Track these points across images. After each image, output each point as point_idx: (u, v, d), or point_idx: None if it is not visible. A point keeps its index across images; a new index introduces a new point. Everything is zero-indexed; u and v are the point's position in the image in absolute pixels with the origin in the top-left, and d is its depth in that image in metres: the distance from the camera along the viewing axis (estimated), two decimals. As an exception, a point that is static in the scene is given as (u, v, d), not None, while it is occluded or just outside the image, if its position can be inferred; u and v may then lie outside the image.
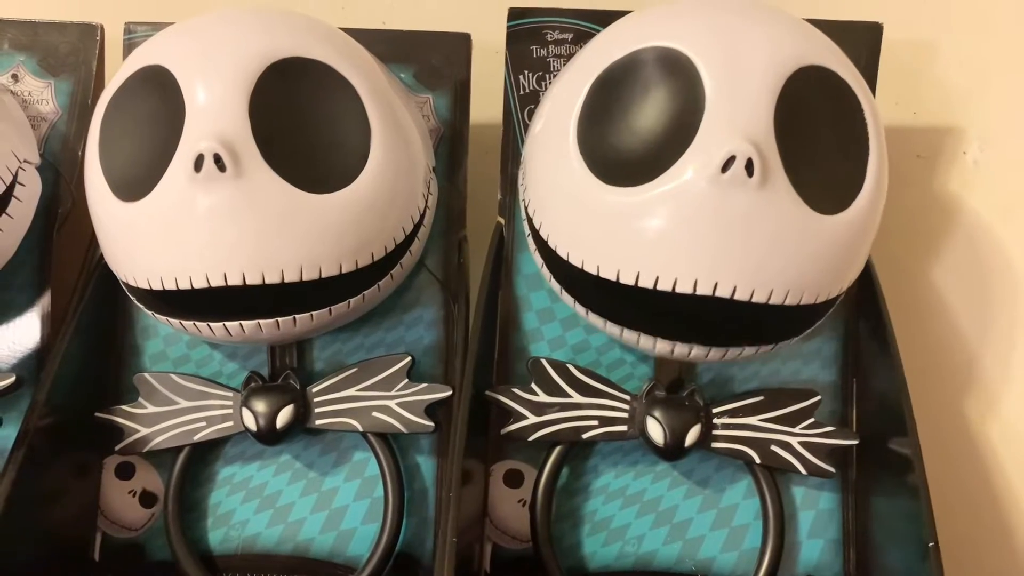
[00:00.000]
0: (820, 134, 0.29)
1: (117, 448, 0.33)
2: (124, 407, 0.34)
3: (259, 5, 0.31)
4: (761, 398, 0.33)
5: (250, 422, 0.32)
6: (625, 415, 0.33)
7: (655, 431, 0.32)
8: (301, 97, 0.29)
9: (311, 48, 0.30)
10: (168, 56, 0.29)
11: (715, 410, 0.33)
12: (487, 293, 0.34)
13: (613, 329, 0.31)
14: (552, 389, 0.33)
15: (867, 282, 0.34)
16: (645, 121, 0.29)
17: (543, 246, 0.31)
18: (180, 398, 0.33)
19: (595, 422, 0.33)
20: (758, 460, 0.33)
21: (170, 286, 0.28)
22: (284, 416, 0.31)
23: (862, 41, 0.34)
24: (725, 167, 0.27)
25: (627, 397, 0.33)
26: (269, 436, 0.32)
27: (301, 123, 0.29)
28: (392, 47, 0.35)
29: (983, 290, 0.39)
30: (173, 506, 0.33)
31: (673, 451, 0.32)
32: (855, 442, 0.33)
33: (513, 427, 0.33)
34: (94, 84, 0.37)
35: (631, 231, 0.28)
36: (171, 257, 0.28)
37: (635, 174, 0.28)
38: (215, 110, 0.28)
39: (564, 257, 0.30)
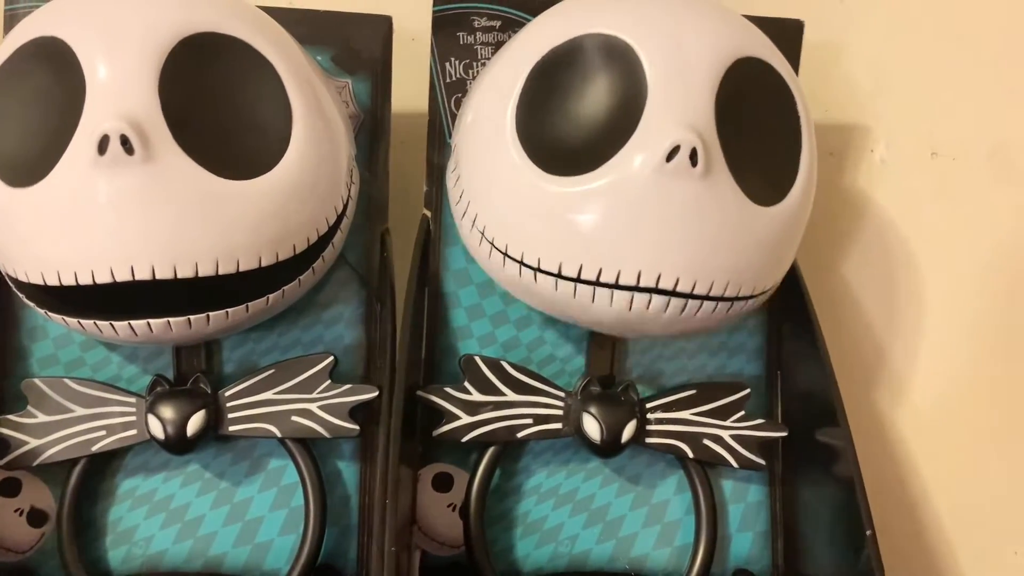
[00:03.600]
0: (757, 125, 0.29)
1: (2, 463, 0.30)
2: (10, 417, 0.31)
3: None
4: (693, 392, 0.33)
5: (157, 430, 0.29)
6: (560, 412, 0.32)
7: (592, 428, 0.31)
8: (216, 75, 0.27)
9: (227, 23, 0.27)
10: (65, 27, 0.26)
11: (649, 405, 0.32)
12: (415, 289, 0.32)
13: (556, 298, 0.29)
14: (486, 387, 0.32)
15: (790, 275, 0.34)
16: (586, 109, 0.28)
17: (480, 239, 0.30)
18: (75, 405, 0.30)
19: (529, 420, 0.32)
20: (691, 454, 0.32)
21: (68, 281, 0.26)
22: (195, 423, 0.29)
23: (784, 38, 0.35)
24: (670, 157, 0.26)
25: (562, 394, 0.32)
26: (178, 445, 0.29)
27: (216, 103, 0.27)
28: (308, 28, 0.32)
29: (890, 283, 0.40)
30: (68, 524, 0.30)
31: (610, 448, 0.31)
32: (784, 434, 0.33)
33: (446, 428, 0.31)
34: None
35: (573, 222, 0.28)
36: (69, 248, 0.26)
37: (577, 163, 0.28)
38: (121, 87, 0.25)
39: (502, 250, 0.29)
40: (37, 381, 0.30)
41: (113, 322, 0.27)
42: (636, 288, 0.28)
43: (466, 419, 0.32)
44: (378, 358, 0.33)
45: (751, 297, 0.29)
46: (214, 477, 0.32)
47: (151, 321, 0.27)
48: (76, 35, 0.26)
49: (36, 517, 0.31)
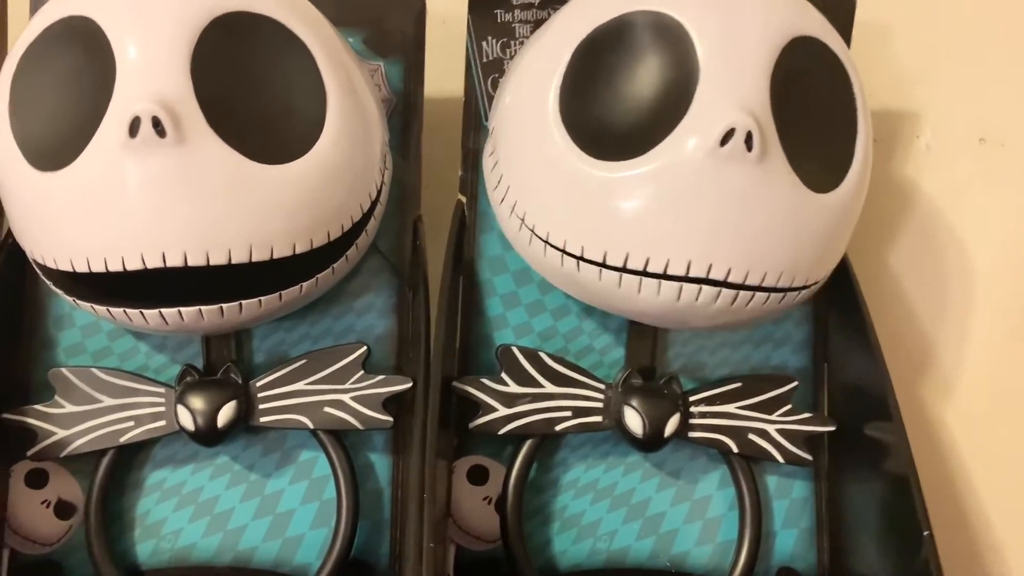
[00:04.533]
0: (813, 108, 0.27)
1: (30, 453, 0.29)
2: (37, 407, 0.30)
3: None
4: (738, 385, 0.32)
5: (187, 421, 0.28)
6: (599, 405, 0.31)
7: (633, 421, 0.30)
8: (249, 56, 0.26)
9: (259, 2, 0.26)
10: (95, 6, 0.26)
11: (692, 398, 0.31)
12: (450, 277, 0.31)
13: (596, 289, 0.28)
14: (523, 379, 0.31)
15: (839, 265, 0.33)
16: (635, 91, 0.27)
17: (519, 226, 0.29)
18: (104, 395, 0.29)
19: (568, 413, 0.31)
20: (735, 449, 0.31)
21: (97, 268, 0.25)
22: (226, 413, 0.28)
23: (835, 16, 0.33)
24: (724, 140, 0.25)
25: (602, 386, 0.31)
26: (209, 436, 0.28)
27: (250, 85, 0.26)
28: (340, 9, 0.31)
29: (937, 273, 0.39)
30: (95, 517, 0.29)
31: (652, 442, 0.30)
32: (832, 428, 0.32)
33: (482, 420, 0.31)
34: None
35: (619, 209, 0.26)
36: (99, 234, 0.25)
37: (624, 147, 0.26)
38: (152, 67, 0.25)
39: (543, 238, 0.28)
40: (64, 371, 0.30)
41: (143, 310, 0.26)
42: (685, 278, 0.26)
43: (503, 411, 0.31)
44: (411, 348, 0.32)
45: (803, 288, 0.28)
46: (244, 469, 0.31)
47: (182, 309, 0.26)
48: (106, 14, 0.25)
49: (63, 509, 0.31)
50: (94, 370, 0.30)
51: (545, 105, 0.28)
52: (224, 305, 0.26)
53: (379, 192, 0.29)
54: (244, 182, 0.25)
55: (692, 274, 0.26)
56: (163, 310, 0.26)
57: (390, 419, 0.30)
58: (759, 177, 0.26)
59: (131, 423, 0.29)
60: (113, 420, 0.29)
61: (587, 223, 0.27)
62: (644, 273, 0.27)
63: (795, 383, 0.32)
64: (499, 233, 0.33)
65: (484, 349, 0.33)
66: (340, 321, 0.32)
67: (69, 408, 0.29)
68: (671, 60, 0.26)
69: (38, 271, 0.28)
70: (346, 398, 0.29)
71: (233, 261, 0.25)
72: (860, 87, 0.29)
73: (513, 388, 0.31)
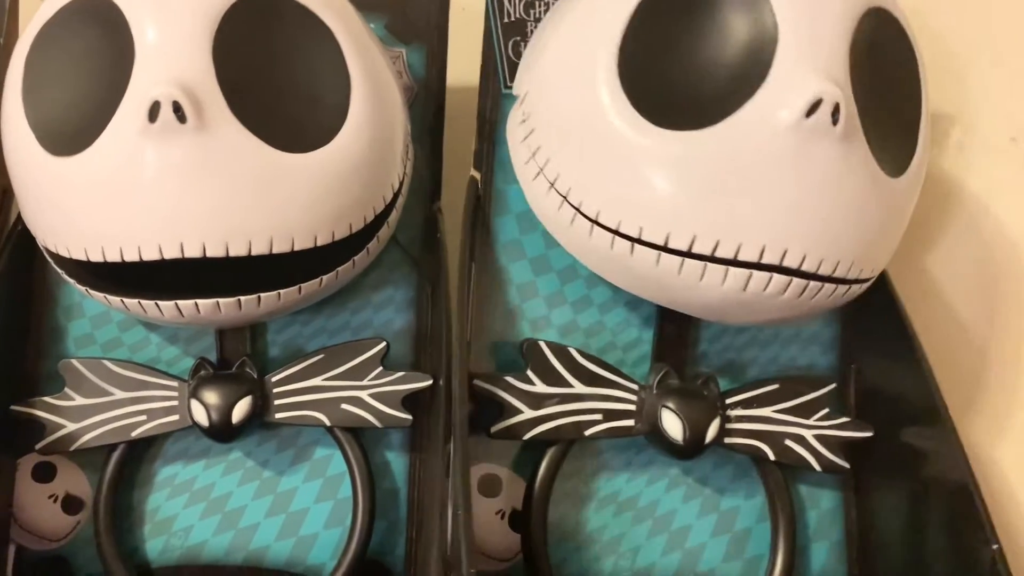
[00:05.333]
0: (887, 84, 0.25)
1: (38, 447, 0.28)
2: (46, 399, 0.28)
3: None
4: (776, 386, 0.29)
5: (201, 416, 0.27)
6: (632, 407, 0.28)
7: (672, 426, 0.27)
8: (273, 40, 0.25)
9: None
10: None
11: (729, 400, 0.29)
12: (468, 265, 0.28)
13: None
14: (552, 378, 0.28)
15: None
16: (709, 51, 0.24)
17: (560, 203, 0.26)
18: (115, 388, 0.28)
19: (599, 416, 0.28)
20: (772, 456, 0.29)
21: (112, 257, 0.24)
22: (241, 409, 0.27)
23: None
24: (810, 112, 0.23)
25: (635, 387, 0.28)
26: (223, 432, 0.27)
27: (273, 70, 0.25)
28: None
29: (972, 274, 0.37)
30: (105, 513, 0.28)
31: (692, 448, 0.27)
32: (869, 434, 0.30)
33: (506, 423, 0.27)
34: (8, 19, 0.31)
35: (688, 186, 0.24)
36: (115, 223, 0.24)
37: (696, 115, 0.24)
38: (173, 50, 0.24)
39: (591, 216, 0.25)
40: (75, 362, 0.28)
41: (159, 302, 0.25)
42: (756, 265, 0.24)
43: (529, 413, 0.27)
44: (429, 344, 0.29)
45: (867, 281, 0.26)
46: (257, 466, 0.29)
47: (199, 302, 0.25)
48: None
49: (71, 504, 0.29)
50: (106, 362, 0.28)
51: (600, 65, 0.25)
52: (242, 298, 0.25)
53: (401, 183, 0.28)
54: (266, 171, 0.24)
55: (766, 260, 0.24)
56: (179, 302, 0.25)
57: (409, 417, 0.28)
58: (841, 155, 0.23)
59: (143, 417, 0.28)
60: (125, 414, 0.28)
61: (647, 200, 0.24)
62: (711, 258, 0.24)
63: (833, 385, 0.30)
64: (516, 216, 0.30)
65: (497, 344, 0.29)
66: (358, 315, 0.30)
67: (79, 400, 0.28)
68: (748, 20, 0.24)
69: (49, 260, 0.27)
70: (364, 395, 0.28)
71: (253, 253, 0.24)
72: (924, 68, 0.27)
73: (540, 388, 0.28)
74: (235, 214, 0.24)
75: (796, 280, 0.24)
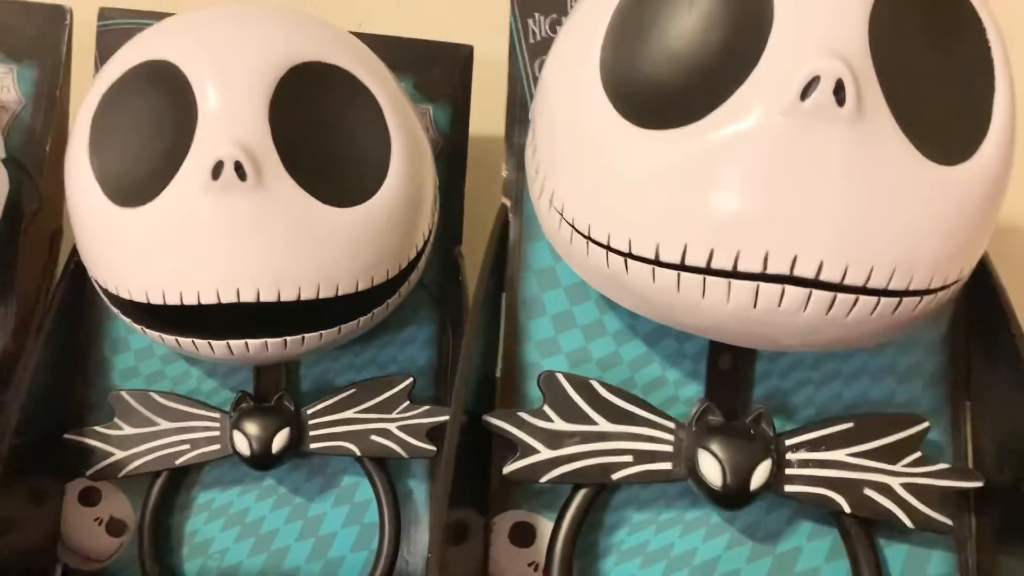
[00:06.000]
0: (931, 56, 0.21)
1: (89, 473, 0.30)
2: (97, 428, 0.30)
3: (266, 3, 0.29)
4: (849, 425, 0.25)
5: (243, 446, 0.29)
6: (669, 448, 0.25)
7: (710, 469, 0.24)
8: (322, 104, 0.27)
9: (331, 53, 0.27)
10: (177, 52, 0.27)
11: (788, 442, 0.25)
12: (485, 291, 0.26)
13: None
14: (571, 414, 0.25)
15: (979, 270, 0.26)
16: (692, 40, 0.21)
17: (559, 222, 0.24)
18: (161, 419, 0.30)
19: (629, 458, 0.25)
20: (847, 509, 0.24)
21: (172, 300, 0.26)
22: (280, 439, 0.29)
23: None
24: (805, 93, 0.19)
25: (671, 425, 0.25)
26: (263, 461, 0.29)
27: (322, 132, 0.27)
28: (393, 55, 0.31)
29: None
30: (148, 535, 0.30)
31: (736, 496, 0.24)
32: (979, 484, 0.25)
33: (519, 464, 0.25)
34: (63, 73, 0.33)
35: (674, 189, 0.21)
36: (177, 269, 0.26)
37: (681, 112, 0.21)
38: (234, 114, 0.26)
39: (584, 232, 0.23)
40: (124, 394, 0.30)
41: (211, 341, 0.27)
42: (762, 276, 0.20)
43: (546, 453, 0.25)
44: (450, 380, 0.29)
45: (927, 292, 0.21)
46: (288, 492, 0.31)
47: (249, 342, 0.27)
48: (189, 61, 0.26)
49: (115, 527, 0.31)
50: (153, 394, 0.30)
51: (584, 70, 0.22)
52: (288, 338, 0.27)
53: (431, 231, 0.30)
54: (316, 224, 0.26)
55: (771, 270, 0.20)
56: (231, 342, 0.27)
57: (434, 448, 0.29)
58: (857, 140, 0.20)
59: (187, 446, 0.30)
60: (170, 443, 0.30)
61: (635, 209, 0.21)
62: (708, 270, 0.21)
63: (925, 424, 0.25)
64: (535, 273, 0.28)
65: (532, 379, 0.27)
66: (383, 352, 0.32)
67: (127, 430, 0.30)
68: (737, 2, 0.21)
69: (106, 300, 0.28)
70: (392, 427, 0.29)
71: (302, 298, 0.26)
72: (997, 34, 0.22)
73: (559, 425, 0.25)
74: (287, 263, 0.25)
75: (817, 293, 0.20)
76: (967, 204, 0.21)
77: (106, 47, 0.33)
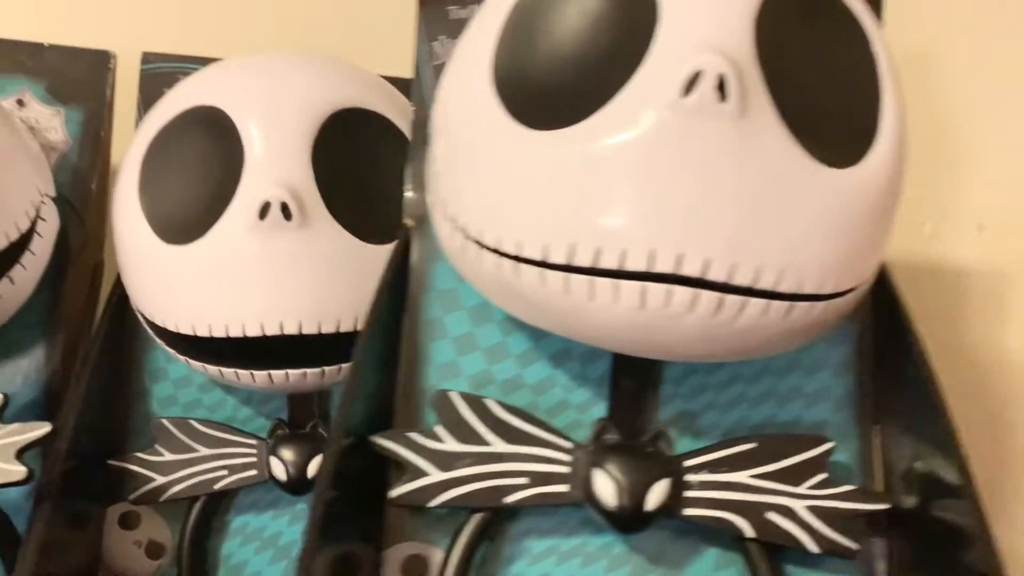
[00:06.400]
0: (817, 59, 0.21)
1: (131, 498, 0.31)
2: (139, 454, 0.31)
3: (303, 50, 0.31)
4: (752, 445, 0.24)
5: (279, 471, 0.30)
6: (566, 469, 0.24)
7: (605, 490, 0.23)
8: (360, 147, 0.29)
9: (368, 98, 0.29)
10: (224, 97, 0.28)
11: (688, 462, 0.24)
12: (379, 314, 0.25)
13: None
14: (465, 434, 0.24)
15: (882, 289, 0.25)
16: (579, 41, 0.21)
17: (451, 230, 0.23)
18: (200, 445, 0.31)
19: (524, 479, 0.24)
20: (750, 533, 0.23)
21: (219, 333, 0.27)
22: (315, 465, 0.30)
23: None
24: (689, 89, 0.19)
25: (568, 445, 0.24)
26: (299, 485, 0.30)
27: (360, 173, 0.29)
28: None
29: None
30: (186, 557, 0.31)
31: (630, 518, 0.23)
32: (885, 507, 0.24)
33: (407, 488, 0.24)
34: (107, 115, 0.35)
35: (560, 190, 0.20)
36: (224, 304, 0.27)
37: (568, 112, 0.21)
38: (279, 157, 0.27)
39: (476, 238, 0.22)
40: (165, 422, 0.31)
41: (253, 371, 0.28)
42: (649, 275, 0.20)
43: (437, 475, 0.24)
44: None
45: (819, 297, 0.21)
46: None
47: (288, 371, 0.28)
48: (236, 106, 0.28)
49: (154, 550, 0.32)
50: (192, 421, 0.31)
51: (476, 72, 0.22)
52: (326, 368, 0.28)
53: None
54: (355, 260, 0.28)
55: (657, 268, 0.20)
56: (271, 371, 0.28)
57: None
58: (741, 137, 0.19)
59: (224, 471, 0.31)
60: (208, 468, 0.31)
61: (523, 211, 0.21)
62: (595, 271, 0.20)
63: (830, 444, 0.24)
64: (438, 294, 0.27)
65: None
66: None
67: (168, 456, 0.31)
68: (623, 2, 0.21)
69: (151, 331, 0.30)
70: None
71: (341, 330, 0.27)
72: (882, 44, 0.22)
73: (451, 446, 0.24)
74: (328, 297, 0.27)
75: (705, 292, 0.20)
76: (857, 208, 0.21)
77: (148, 90, 0.35)
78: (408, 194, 0.29)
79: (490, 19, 0.23)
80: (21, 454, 0.27)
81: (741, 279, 0.20)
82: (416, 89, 0.29)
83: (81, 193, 0.34)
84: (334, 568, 0.23)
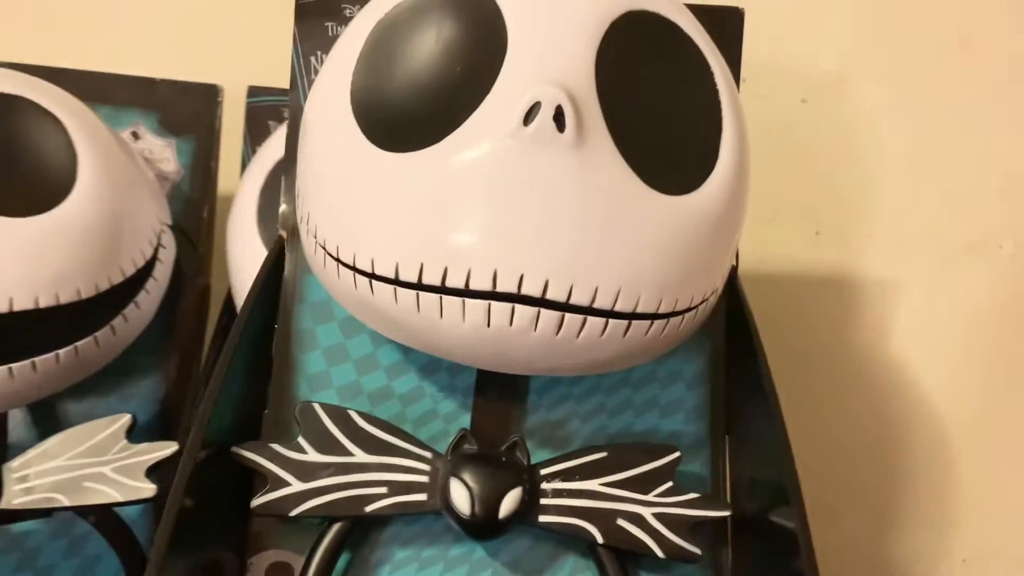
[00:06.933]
0: (657, 92, 0.22)
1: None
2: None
3: None
4: (603, 455, 0.25)
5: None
6: (425, 479, 0.25)
7: (460, 497, 0.24)
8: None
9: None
10: None
11: (543, 471, 0.25)
12: (247, 321, 0.26)
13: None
14: (326, 445, 0.25)
15: (734, 305, 0.27)
16: (432, 70, 0.22)
17: (315, 246, 0.24)
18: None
19: (384, 489, 0.24)
20: (600, 539, 0.24)
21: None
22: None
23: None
24: (527, 117, 0.20)
25: (428, 455, 0.25)
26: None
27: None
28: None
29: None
30: None
31: (484, 525, 0.24)
32: (725, 513, 0.25)
33: (268, 497, 0.24)
34: (215, 146, 0.36)
35: (409, 210, 0.21)
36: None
37: (421, 136, 0.21)
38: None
39: (334, 254, 0.23)
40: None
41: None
42: (493, 295, 0.21)
43: (297, 486, 0.24)
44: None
45: (656, 316, 0.22)
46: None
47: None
48: None
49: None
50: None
51: (336, 95, 0.23)
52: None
53: None
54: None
55: (500, 288, 0.21)
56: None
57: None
58: (578, 164, 0.20)
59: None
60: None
61: (375, 229, 0.22)
62: (444, 289, 0.21)
63: (677, 454, 0.25)
64: (310, 305, 0.28)
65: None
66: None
67: (312, 456, 0.24)
68: (475, 35, 0.22)
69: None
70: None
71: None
72: (726, 80, 0.24)
73: (313, 456, 0.25)
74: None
75: (545, 311, 0.21)
76: (691, 232, 0.22)
77: (254, 121, 0.38)
78: (282, 207, 0.29)
79: (352, 41, 0.23)
80: (150, 472, 0.26)
81: (579, 298, 0.21)
82: (293, 98, 0.29)
83: (194, 221, 0.35)
84: (196, 573, 0.24)
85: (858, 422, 0.34)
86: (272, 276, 0.28)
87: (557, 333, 0.21)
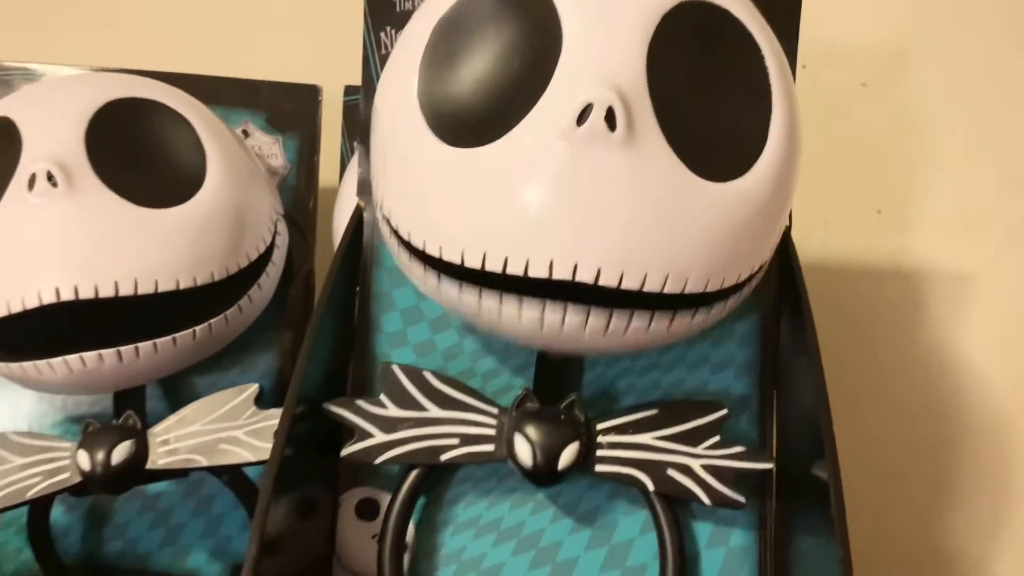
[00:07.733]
0: (706, 83, 0.23)
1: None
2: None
3: None
4: (655, 411, 0.27)
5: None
6: (492, 432, 0.27)
7: (523, 451, 0.26)
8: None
9: None
10: None
11: (600, 426, 0.27)
12: (333, 287, 0.28)
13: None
14: (405, 401, 0.27)
15: (785, 266, 0.28)
16: (491, 68, 0.23)
17: (389, 231, 0.26)
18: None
19: (455, 440, 0.27)
20: (651, 487, 0.27)
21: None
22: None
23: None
24: (580, 118, 0.22)
25: (494, 411, 0.27)
26: (546, 475, 0.26)
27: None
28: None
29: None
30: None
31: (545, 475, 0.26)
32: (769, 466, 0.27)
33: (355, 447, 0.27)
34: (317, 142, 0.39)
35: (469, 202, 0.23)
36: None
37: (481, 133, 0.23)
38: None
39: (406, 239, 0.25)
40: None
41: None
42: (548, 283, 0.23)
43: (381, 437, 0.27)
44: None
45: (703, 297, 0.24)
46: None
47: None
48: None
49: None
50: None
51: (404, 93, 0.25)
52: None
53: None
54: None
55: (556, 276, 0.22)
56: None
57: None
58: (630, 161, 0.22)
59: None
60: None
61: (444, 219, 0.24)
62: (503, 280, 0.23)
63: (724, 410, 0.27)
64: (387, 270, 0.30)
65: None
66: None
67: (392, 410, 0.27)
68: (531, 34, 0.23)
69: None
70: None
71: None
72: (778, 63, 0.25)
73: (393, 411, 0.27)
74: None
75: (595, 310, 0.23)
76: (738, 216, 0.23)
77: (351, 117, 0.41)
78: (360, 175, 0.31)
79: (416, 38, 0.25)
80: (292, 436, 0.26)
81: (629, 283, 0.23)
82: (366, 77, 0.31)
83: (301, 211, 0.38)
84: (297, 508, 0.27)
85: (919, 393, 0.35)
86: (353, 242, 0.30)
87: (607, 329, 0.23)
